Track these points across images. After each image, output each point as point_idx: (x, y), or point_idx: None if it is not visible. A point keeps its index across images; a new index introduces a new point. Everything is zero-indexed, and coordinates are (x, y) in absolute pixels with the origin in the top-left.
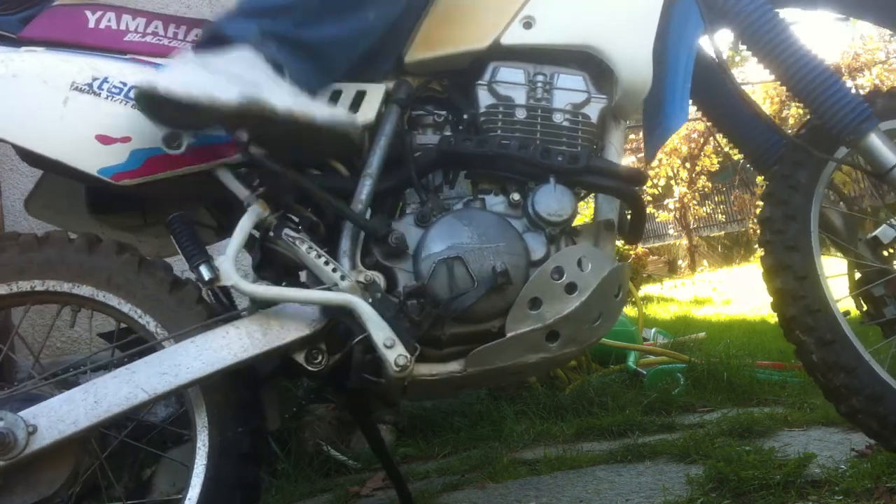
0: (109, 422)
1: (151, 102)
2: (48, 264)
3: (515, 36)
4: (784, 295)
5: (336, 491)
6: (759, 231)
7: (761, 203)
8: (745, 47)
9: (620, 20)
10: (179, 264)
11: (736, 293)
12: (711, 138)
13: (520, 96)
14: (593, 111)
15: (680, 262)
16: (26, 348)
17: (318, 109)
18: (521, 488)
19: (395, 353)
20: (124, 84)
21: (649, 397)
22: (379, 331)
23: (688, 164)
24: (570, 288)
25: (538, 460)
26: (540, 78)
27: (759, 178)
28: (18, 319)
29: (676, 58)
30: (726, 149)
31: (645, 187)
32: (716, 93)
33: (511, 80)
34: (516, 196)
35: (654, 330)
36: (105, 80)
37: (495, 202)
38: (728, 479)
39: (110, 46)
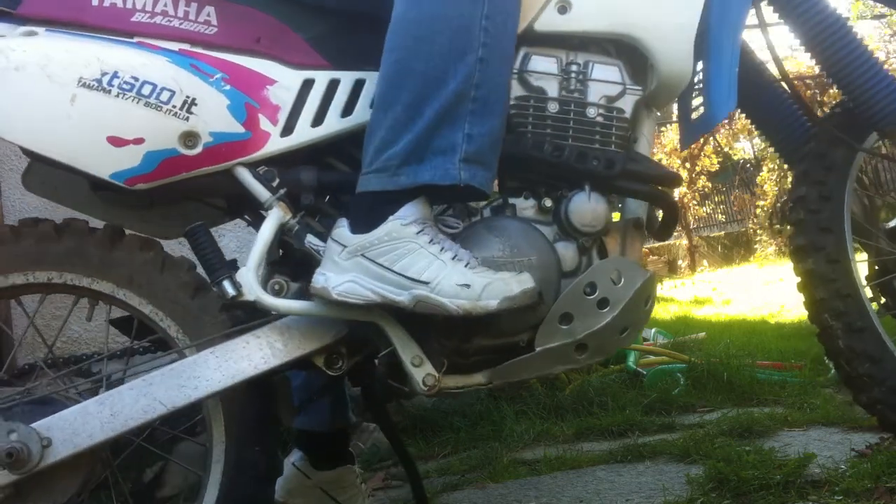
0: (125, 435)
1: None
2: (67, 256)
3: (550, 21)
4: (815, 277)
5: None
6: (790, 208)
7: (794, 182)
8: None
9: (663, 5)
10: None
11: (736, 293)
12: (711, 138)
13: (552, 88)
14: (627, 104)
15: (680, 262)
16: (37, 339)
17: (492, 299)
18: (521, 488)
19: (423, 373)
20: (136, 80)
21: (649, 397)
22: (407, 348)
23: (688, 164)
24: (603, 303)
25: (538, 460)
26: (574, 68)
27: (760, 178)
28: (32, 310)
29: (720, 41)
30: (726, 149)
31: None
32: (744, 73)
33: (544, 69)
34: (548, 202)
35: (654, 330)
36: (115, 75)
37: (525, 206)
38: (728, 479)
39: (116, 28)
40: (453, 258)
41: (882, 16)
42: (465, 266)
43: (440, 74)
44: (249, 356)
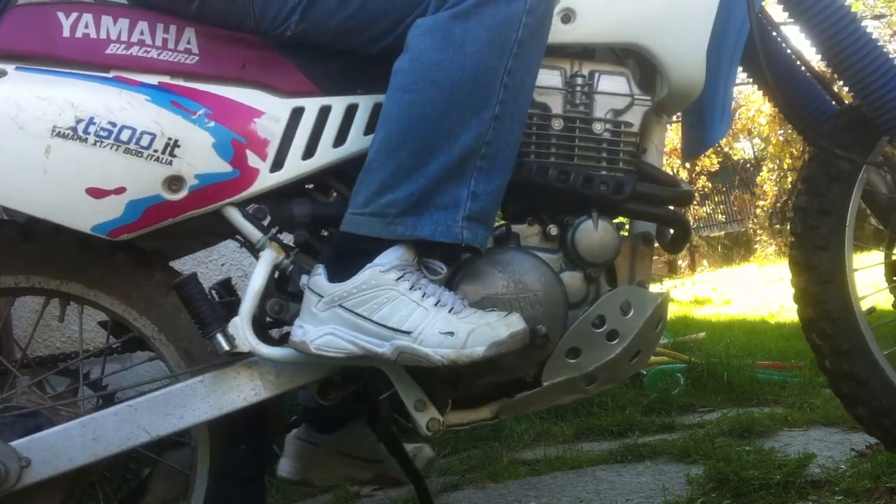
0: (107, 460)
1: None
2: (34, 260)
3: (553, 32)
4: (805, 296)
5: (336, 491)
6: (791, 216)
7: (799, 182)
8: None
9: (674, 12)
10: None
11: (736, 293)
12: None
13: (556, 104)
14: (636, 116)
15: (680, 262)
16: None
17: (477, 346)
18: (521, 488)
19: (426, 417)
20: (113, 125)
21: (649, 397)
22: (410, 391)
23: (688, 164)
24: (612, 335)
25: (538, 460)
26: (578, 80)
27: (760, 179)
28: (3, 314)
29: (717, 64)
30: (726, 149)
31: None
32: (766, 50)
33: (546, 84)
34: (553, 230)
35: None
36: (91, 121)
37: (529, 233)
38: (728, 479)
39: (90, 61)
40: (436, 304)
41: (882, 16)
42: (449, 311)
43: (454, 126)
44: (239, 387)
